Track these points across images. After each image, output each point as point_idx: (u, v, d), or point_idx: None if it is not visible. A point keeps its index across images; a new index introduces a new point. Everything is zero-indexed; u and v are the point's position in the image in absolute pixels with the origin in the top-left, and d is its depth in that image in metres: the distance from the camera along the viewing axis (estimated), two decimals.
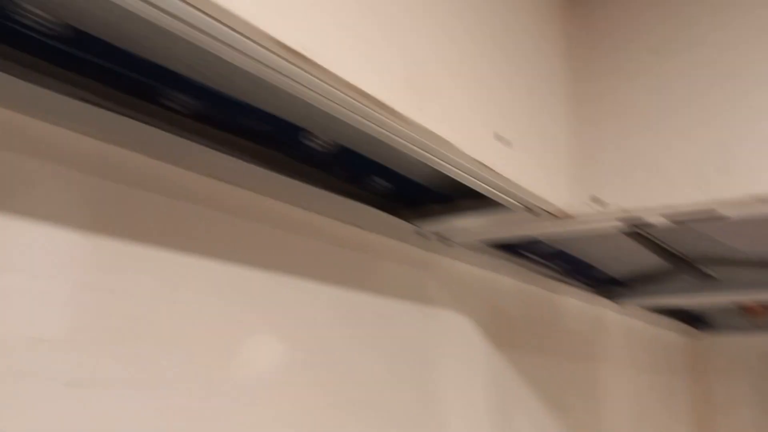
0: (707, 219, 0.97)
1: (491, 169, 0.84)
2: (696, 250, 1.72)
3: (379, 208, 1.09)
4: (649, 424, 2.31)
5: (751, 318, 2.67)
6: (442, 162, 0.81)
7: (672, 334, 2.66)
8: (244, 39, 0.54)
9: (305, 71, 0.59)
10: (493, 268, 1.47)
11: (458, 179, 0.89)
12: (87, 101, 0.69)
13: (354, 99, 0.66)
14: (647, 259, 1.76)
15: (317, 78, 0.60)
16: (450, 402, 1.27)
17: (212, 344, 0.81)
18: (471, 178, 0.87)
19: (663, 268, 1.88)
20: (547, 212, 1.02)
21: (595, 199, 1.02)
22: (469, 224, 1.13)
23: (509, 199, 0.97)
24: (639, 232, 1.53)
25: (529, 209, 1.02)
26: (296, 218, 0.98)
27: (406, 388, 1.17)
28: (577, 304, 1.87)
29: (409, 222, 1.15)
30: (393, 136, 0.74)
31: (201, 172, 0.81)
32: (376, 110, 0.68)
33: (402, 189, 1.13)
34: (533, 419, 1.56)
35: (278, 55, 0.55)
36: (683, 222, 0.99)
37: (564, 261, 1.65)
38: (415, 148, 0.77)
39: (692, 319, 2.67)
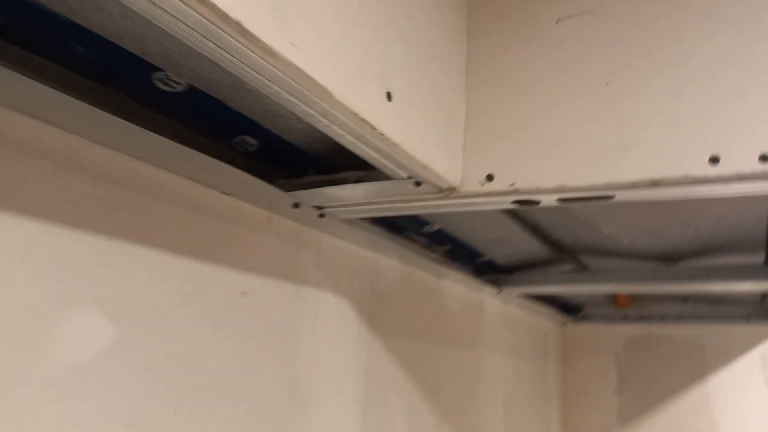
0: (600, 200, 0.91)
1: (374, 128, 0.72)
2: (577, 240, 1.70)
3: (248, 171, 0.95)
4: (522, 408, 2.33)
5: (619, 307, 2.77)
6: (314, 113, 0.69)
7: (546, 320, 2.70)
8: None
9: None
10: (374, 248, 1.37)
11: (336, 138, 0.76)
12: None
13: (204, 17, 0.52)
14: (530, 247, 1.73)
15: None
16: (320, 391, 1.16)
17: (14, 322, 0.64)
18: (350, 137, 0.75)
19: (544, 257, 1.86)
20: (435, 186, 0.92)
21: (489, 177, 0.93)
22: (349, 195, 1.01)
23: (392, 167, 0.86)
24: (526, 220, 1.49)
25: (415, 182, 0.91)
26: (139, 174, 0.82)
27: (271, 376, 1.04)
28: (460, 289, 1.82)
29: (284, 191, 1.01)
30: (257, 75, 0.61)
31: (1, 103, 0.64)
32: (234, 37, 0.54)
33: (277, 153, 0.99)
34: (409, 408, 1.48)
35: None
36: (574, 201, 0.93)
37: (450, 244, 1.58)
38: (283, 92, 0.64)
39: (565, 306, 2.73)
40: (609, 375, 2.80)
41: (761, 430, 2.47)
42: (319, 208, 1.08)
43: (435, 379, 1.63)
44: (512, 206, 0.97)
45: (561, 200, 0.93)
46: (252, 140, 0.93)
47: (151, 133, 0.79)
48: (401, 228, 1.38)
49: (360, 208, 1.06)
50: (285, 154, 0.99)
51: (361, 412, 1.28)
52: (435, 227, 1.42)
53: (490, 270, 1.89)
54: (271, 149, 0.96)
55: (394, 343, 1.44)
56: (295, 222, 1.12)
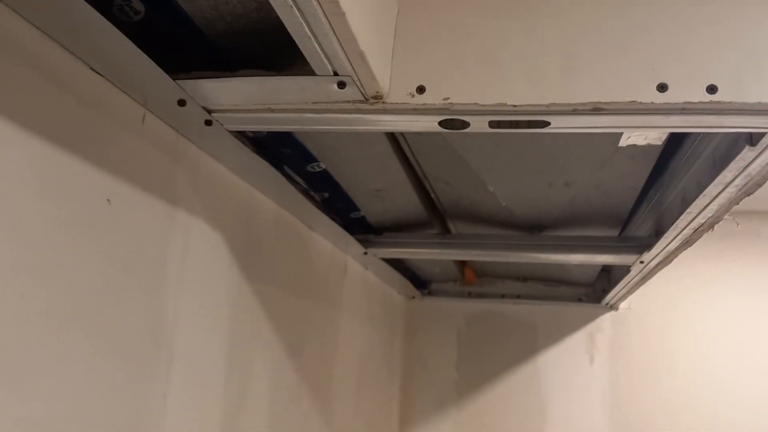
0: (534, 126, 0.84)
1: None
2: (456, 199, 1.66)
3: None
4: (371, 379, 2.26)
5: (465, 284, 2.82)
6: None
7: (397, 292, 2.67)
8: None
9: None
10: (252, 179, 1.20)
11: None
12: None
13: None
14: (406, 205, 1.65)
15: None
16: (185, 333, 0.98)
17: None
18: None
19: (415, 219, 1.80)
20: (362, 91, 0.79)
21: (420, 88, 0.82)
22: (252, 93, 0.84)
23: (321, 54, 0.71)
24: (416, 168, 1.40)
25: (340, 81, 0.78)
26: None
27: (133, 307, 0.84)
28: (328, 246, 1.70)
29: (171, 77, 0.81)
30: None
31: None
32: None
33: (166, 31, 0.80)
34: (273, 362, 1.34)
35: None
36: (507, 127, 0.85)
37: (328, 192, 1.45)
38: None
39: (415, 280, 2.71)
40: (449, 350, 2.84)
41: (585, 404, 2.64)
42: (209, 111, 0.90)
43: (299, 336, 1.50)
44: (437, 128, 0.87)
45: (493, 123, 0.85)
46: (139, 4, 0.73)
47: None
48: (281, 161, 1.22)
49: (258, 116, 0.90)
50: (177, 34, 0.80)
51: (225, 362, 1.12)
52: (322, 166, 1.29)
53: (360, 228, 1.79)
54: (160, 23, 0.77)
55: (265, 291, 1.28)
56: (173, 129, 0.93)
